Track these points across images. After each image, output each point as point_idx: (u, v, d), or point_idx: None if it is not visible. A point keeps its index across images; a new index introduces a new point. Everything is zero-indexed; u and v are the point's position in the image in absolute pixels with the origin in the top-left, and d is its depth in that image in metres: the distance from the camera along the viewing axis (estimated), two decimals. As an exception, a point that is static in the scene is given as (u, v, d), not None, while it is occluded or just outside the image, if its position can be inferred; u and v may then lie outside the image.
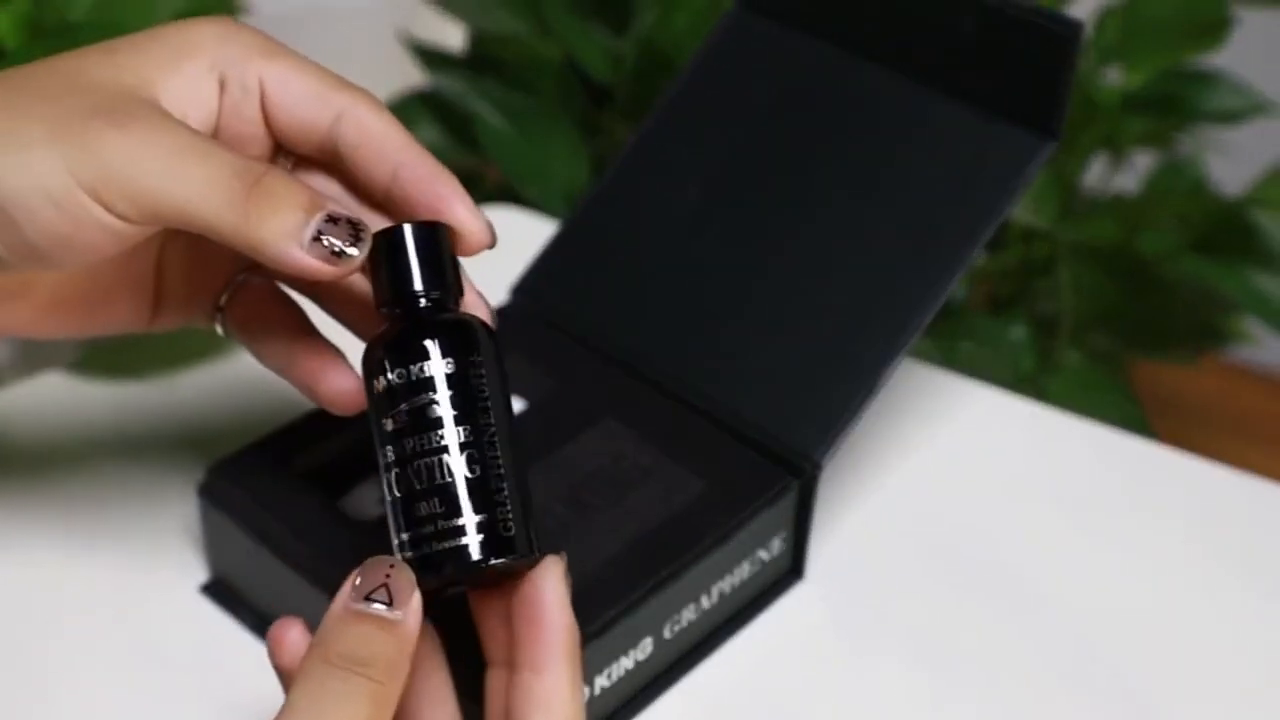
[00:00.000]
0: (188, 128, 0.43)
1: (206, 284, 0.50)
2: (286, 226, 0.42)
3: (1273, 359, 1.49)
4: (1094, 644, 0.58)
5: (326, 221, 0.43)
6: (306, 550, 0.53)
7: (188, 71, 0.44)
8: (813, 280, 0.60)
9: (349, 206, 0.46)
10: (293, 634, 0.43)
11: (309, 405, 0.60)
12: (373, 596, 0.41)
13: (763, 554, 0.57)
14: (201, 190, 0.42)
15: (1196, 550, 0.62)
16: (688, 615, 0.55)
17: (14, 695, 0.55)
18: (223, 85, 0.45)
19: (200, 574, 0.59)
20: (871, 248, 0.59)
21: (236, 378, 0.67)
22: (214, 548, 0.58)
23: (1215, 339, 1.10)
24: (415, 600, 0.41)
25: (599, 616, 0.51)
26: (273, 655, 0.43)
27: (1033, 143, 0.58)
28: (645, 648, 0.54)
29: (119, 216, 0.42)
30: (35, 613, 0.57)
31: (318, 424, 0.58)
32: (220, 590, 0.58)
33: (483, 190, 1.05)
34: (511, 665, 0.44)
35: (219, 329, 0.51)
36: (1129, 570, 0.61)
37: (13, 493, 0.62)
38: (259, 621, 0.57)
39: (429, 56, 1.03)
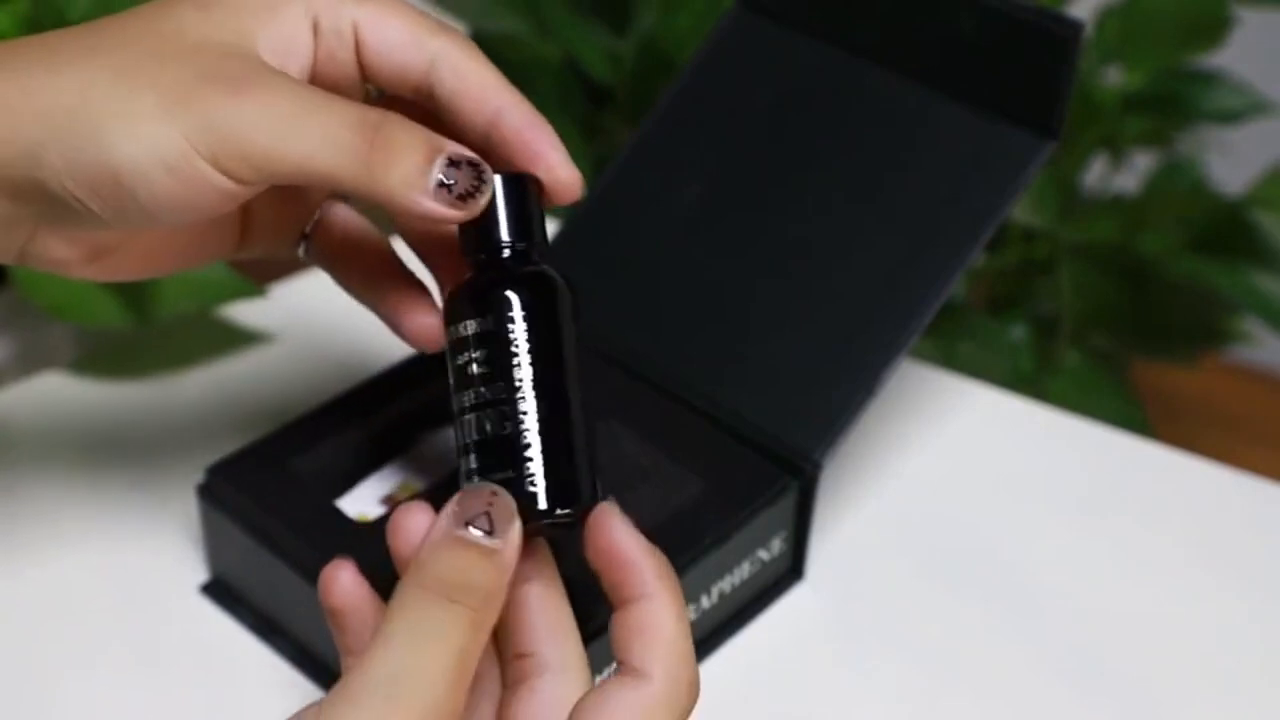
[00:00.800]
0: (298, 84, 0.43)
1: (293, 213, 0.50)
2: (410, 175, 0.42)
3: (1273, 359, 1.49)
4: (1093, 644, 0.58)
5: (449, 166, 0.42)
6: (306, 550, 0.53)
7: (283, 19, 0.44)
8: (813, 280, 0.60)
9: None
10: (345, 575, 0.44)
11: (308, 405, 0.60)
12: (474, 524, 0.40)
13: (763, 554, 0.57)
14: (322, 148, 0.42)
15: (1196, 551, 0.62)
16: (688, 615, 0.55)
17: (15, 694, 0.55)
18: (316, 31, 0.45)
19: (200, 574, 0.59)
20: (871, 248, 0.59)
21: (236, 378, 0.67)
22: (214, 547, 0.58)
23: (1215, 339, 1.10)
24: (515, 529, 0.41)
25: (599, 616, 0.51)
26: (326, 595, 0.44)
27: (1033, 143, 0.57)
28: (645, 648, 0.54)
29: (236, 180, 0.42)
30: (35, 612, 0.57)
31: (317, 424, 0.58)
32: (220, 590, 0.58)
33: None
34: (614, 606, 0.44)
35: (302, 255, 0.51)
36: (1128, 571, 0.61)
37: (13, 493, 0.61)
38: (258, 621, 0.57)
39: (429, 56, 1.02)
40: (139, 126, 0.42)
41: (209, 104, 0.42)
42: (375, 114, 0.43)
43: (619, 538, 0.43)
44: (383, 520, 0.56)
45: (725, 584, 0.56)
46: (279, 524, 0.54)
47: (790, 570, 0.60)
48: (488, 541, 0.40)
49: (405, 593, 0.40)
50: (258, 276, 0.67)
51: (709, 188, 0.63)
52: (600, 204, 0.64)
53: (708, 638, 0.57)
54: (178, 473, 0.62)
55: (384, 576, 0.52)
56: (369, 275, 0.50)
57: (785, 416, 0.58)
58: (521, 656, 0.44)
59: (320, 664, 0.55)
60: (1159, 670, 0.57)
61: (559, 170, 0.45)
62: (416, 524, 0.43)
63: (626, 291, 0.62)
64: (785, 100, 0.63)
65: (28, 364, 0.72)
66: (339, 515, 0.55)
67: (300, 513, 0.55)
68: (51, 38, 0.44)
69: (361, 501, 0.57)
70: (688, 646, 0.43)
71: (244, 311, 0.70)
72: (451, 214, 0.42)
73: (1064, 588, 0.60)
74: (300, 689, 0.55)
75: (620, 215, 0.64)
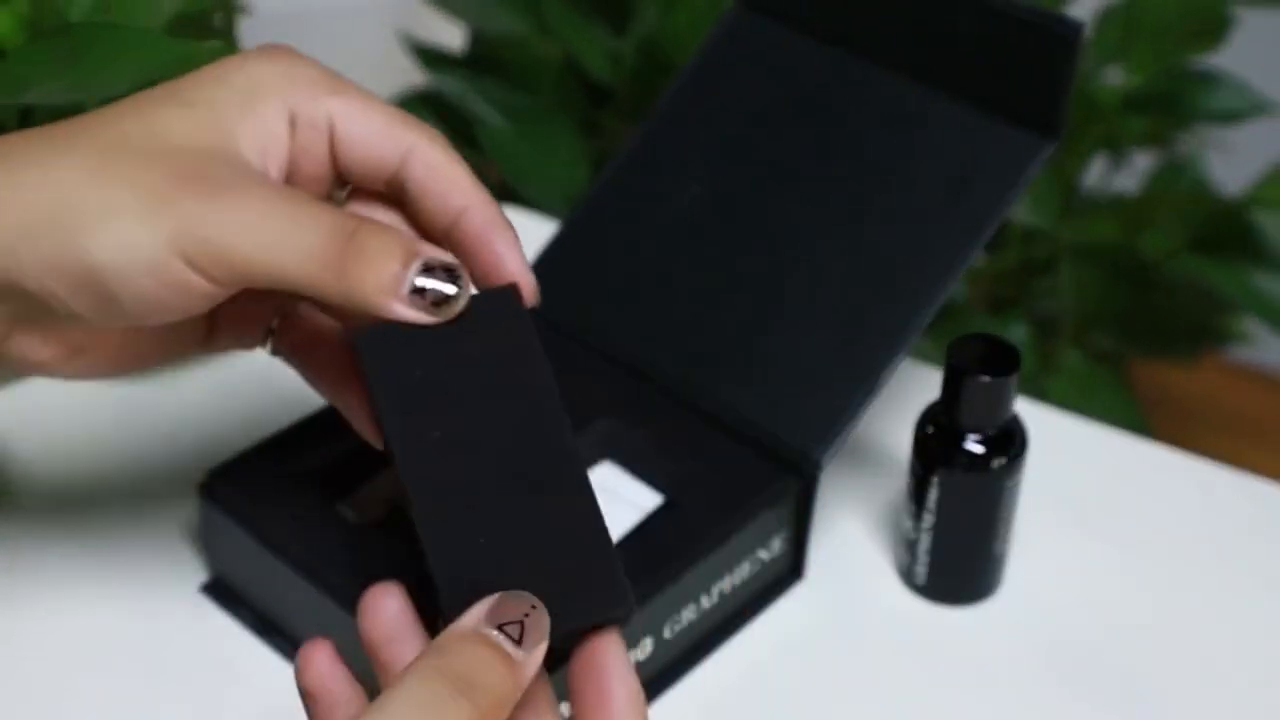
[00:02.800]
0: (276, 188, 0.44)
1: (259, 311, 0.50)
2: (384, 282, 0.42)
3: (1272, 359, 1.48)
4: (1092, 643, 0.58)
5: (424, 272, 0.42)
6: (306, 551, 0.53)
7: (262, 115, 0.45)
8: (813, 280, 0.60)
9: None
10: (321, 657, 0.42)
11: (309, 407, 0.60)
12: (505, 629, 0.39)
13: (763, 554, 0.57)
14: (297, 256, 0.42)
15: (1195, 550, 0.62)
16: (688, 615, 0.55)
17: (13, 694, 0.55)
18: (294, 125, 0.45)
19: (200, 574, 0.59)
20: (872, 248, 0.59)
21: (236, 378, 0.67)
22: (214, 548, 0.58)
23: (1215, 339, 1.10)
24: (541, 647, 0.39)
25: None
26: (300, 674, 0.42)
27: (1033, 143, 0.57)
28: (645, 647, 0.54)
29: (212, 281, 0.43)
30: (35, 613, 0.57)
31: (318, 428, 0.58)
32: (220, 590, 0.58)
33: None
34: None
35: (269, 351, 0.51)
36: (1127, 570, 0.61)
37: (12, 493, 0.61)
38: (258, 621, 0.57)
39: (429, 56, 1.02)
40: (120, 228, 0.42)
41: (186, 207, 0.42)
42: (350, 221, 0.43)
43: (610, 661, 0.41)
44: (382, 522, 0.56)
45: (725, 584, 0.56)
46: (279, 525, 0.54)
47: (790, 570, 0.60)
48: (512, 650, 0.39)
49: (416, 671, 0.38)
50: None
51: (709, 187, 0.63)
52: (601, 204, 0.64)
53: (708, 638, 0.57)
54: (178, 473, 0.62)
55: (381, 579, 0.52)
56: (332, 371, 0.49)
57: (786, 416, 0.58)
58: None
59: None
60: (1159, 669, 0.57)
61: (517, 277, 0.46)
62: (388, 609, 0.42)
63: (627, 291, 0.62)
64: (786, 100, 0.63)
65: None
66: (338, 517, 0.55)
67: (300, 514, 0.55)
68: (30, 134, 0.44)
69: (361, 504, 0.57)
70: None
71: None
72: (425, 318, 0.43)
73: (1063, 587, 0.60)
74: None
75: (621, 215, 0.64)
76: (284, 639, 0.56)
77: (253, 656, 0.56)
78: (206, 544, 0.58)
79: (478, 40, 1.05)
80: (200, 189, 0.42)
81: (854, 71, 0.61)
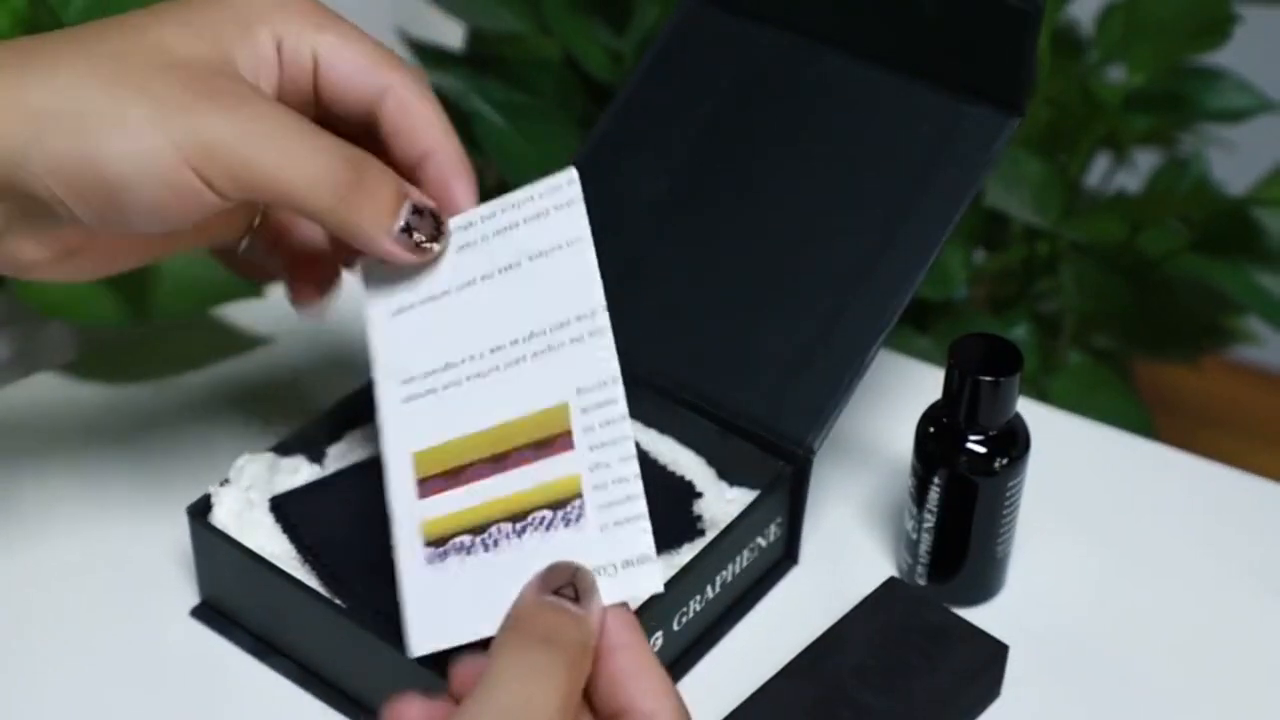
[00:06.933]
0: (283, 108, 0.45)
1: (245, 212, 0.52)
2: (380, 218, 0.45)
3: (1276, 358, 1.48)
4: (1094, 643, 0.58)
5: (414, 213, 0.46)
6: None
7: (257, 39, 0.46)
8: (791, 268, 0.59)
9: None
10: (412, 712, 0.42)
11: (305, 407, 0.59)
12: (561, 592, 0.42)
13: (760, 540, 0.57)
14: (312, 179, 0.44)
15: (1199, 550, 0.62)
16: (694, 606, 0.55)
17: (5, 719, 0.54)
18: (280, 55, 0.47)
19: (191, 597, 0.58)
20: (846, 232, 0.59)
21: (232, 380, 0.67)
22: (205, 569, 0.57)
23: (1218, 338, 1.09)
24: (596, 599, 0.43)
25: None
26: None
27: (998, 120, 0.57)
28: (656, 642, 0.54)
29: (219, 193, 0.44)
30: (26, 636, 0.57)
31: (303, 445, 0.58)
32: (211, 612, 0.57)
33: (481, 189, 1.05)
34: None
35: (243, 249, 0.52)
36: (1130, 571, 0.61)
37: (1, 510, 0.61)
38: (252, 641, 0.56)
39: (428, 54, 1.02)
40: (133, 136, 0.43)
41: (199, 117, 0.43)
42: (356, 152, 0.45)
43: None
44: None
45: (727, 573, 0.56)
46: None
47: (785, 556, 0.60)
48: (574, 608, 0.42)
49: (505, 640, 0.41)
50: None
51: (678, 181, 0.62)
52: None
53: (710, 627, 0.57)
54: (165, 496, 0.61)
55: (380, 591, 0.52)
56: (303, 269, 0.52)
57: (774, 404, 0.57)
58: (619, 713, 0.43)
59: (324, 679, 0.55)
60: (1161, 669, 0.57)
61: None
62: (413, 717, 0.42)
63: (606, 287, 0.62)
64: (747, 89, 0.62)
65: (26, 364, 0.71)
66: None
67: None
68: (43, 41, 0.45)
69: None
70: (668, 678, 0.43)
71: (241, 312, 0.69)
72: (407, 257, 0.46)
73: (1064, 586, 0.60)
74: (306, 706, 0.55)
75: (592, 211, 0.63)
76: (281, 657, 0.56)
77: (244, 677, 0.55)
78: (197, 565, 0.57)
79: (477, 38, 1.04)
80: (213, 100, 0.44)
81: (813, 57, 0.61)
